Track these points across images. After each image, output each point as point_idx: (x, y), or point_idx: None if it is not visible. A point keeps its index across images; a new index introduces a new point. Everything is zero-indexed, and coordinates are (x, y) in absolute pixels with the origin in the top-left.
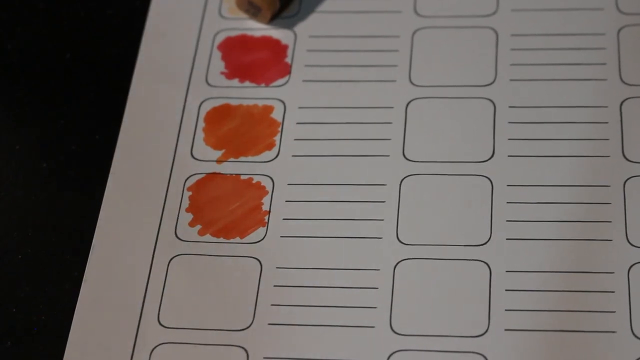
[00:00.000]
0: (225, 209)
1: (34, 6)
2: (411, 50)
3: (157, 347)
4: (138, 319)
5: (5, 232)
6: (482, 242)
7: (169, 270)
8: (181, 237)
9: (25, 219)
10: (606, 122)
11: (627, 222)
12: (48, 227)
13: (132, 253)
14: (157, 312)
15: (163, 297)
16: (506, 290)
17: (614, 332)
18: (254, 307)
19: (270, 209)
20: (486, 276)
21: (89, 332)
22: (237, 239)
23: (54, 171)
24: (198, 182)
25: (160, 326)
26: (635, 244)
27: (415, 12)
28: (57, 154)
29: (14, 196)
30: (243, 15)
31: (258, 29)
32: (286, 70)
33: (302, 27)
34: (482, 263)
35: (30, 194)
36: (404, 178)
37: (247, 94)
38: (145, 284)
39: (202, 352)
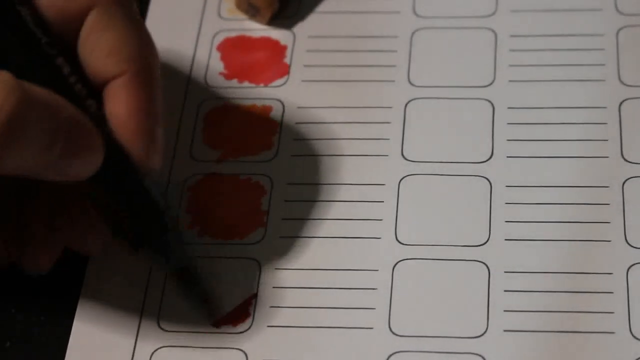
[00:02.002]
0: (224, 210)
1: None
2: (410, 51)
3: (157, 351)
4: (138, 322)
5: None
6: (481, 243)
7: (168, 273)
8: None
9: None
10: (605, 123)
11: (626, 222)
12: None
13: (132, 255)
14: (157, 315)
15: (163, 301)
16: (505, 291)
17: (612, 332)
18: (253, 309)
19: (269, 209)
20: (485, 277)
21: (90, 335)
22: (236, 240)
23: None
24: (197, 183)
25: (160, 329)
26: (634, 245)
27: (414, 12)
28: None
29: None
30: (242, 15)
31: (257, 29)
32: (285, 70)
33: (301, 28)
34: (481, 264)
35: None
36: (403, 178)
37: (246, 94)
38: (145, 287)
39: (202, 355)
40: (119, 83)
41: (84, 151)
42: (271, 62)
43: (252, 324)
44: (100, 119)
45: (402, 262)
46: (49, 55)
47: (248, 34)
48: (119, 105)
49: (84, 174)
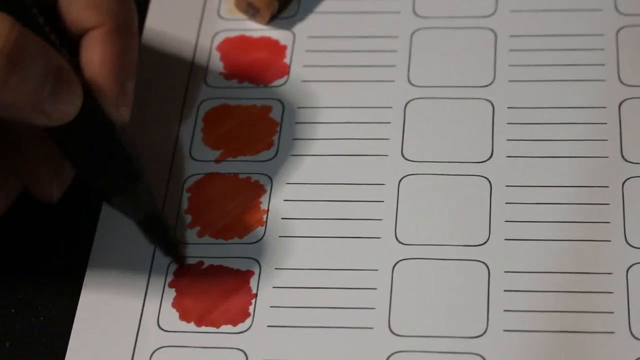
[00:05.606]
0: (224, 209)
1: None
2: (410, 51)
3: (157, 351)
4: (138, 323)
5: (4, 232)
6: (481, 243)
7: (168, 273)
8: (180, 240)
9: (25, 218)
10: (605, 123)
11: (626, 222)
12: (47, 227)
13: (132, 255)
14: (156, 315)
15: (163, 300)
16: (505, 290)
17: (612, 332)
18: (253, 309)
19: (268, 208)
20: (485, 277)
21: (90, 335)
22: (236, 239)
23: None
24: (197, 183)
25: (160, 329)
26: (633, 245)
27: (414, 12)
28: None
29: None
30: (242, 15)
31: (257, 29)
32: (285, 70)
33: (300, 28)
34: (481, 263)
35: (30, 193)
36: (403, 178)
37: (245, 94)
38: (145, 287)
39: (202, 355)
40: (96, 34)
41: (68, 93)
42: (271, 62)
43: (252, 324)
44: (74, 67)
45: (402, 262)
46: (26, 5)
47: (248, 34)
48: (95, 54)
49: (66, 116)
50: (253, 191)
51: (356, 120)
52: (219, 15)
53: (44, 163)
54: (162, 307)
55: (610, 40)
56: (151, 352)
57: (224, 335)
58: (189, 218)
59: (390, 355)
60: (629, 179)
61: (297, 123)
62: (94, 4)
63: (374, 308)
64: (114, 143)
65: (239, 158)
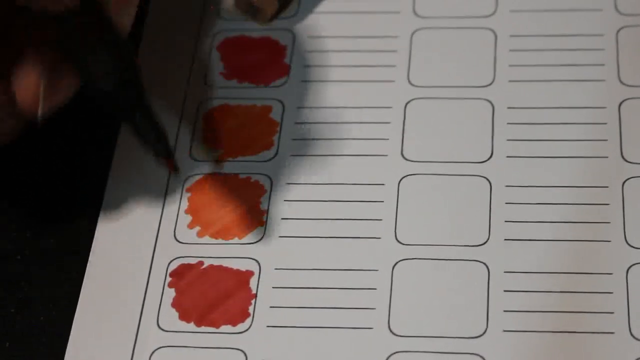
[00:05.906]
0: (224, 209)
1: None
2: (410, 51)
3: (157, 351)
4: (137, 323)
5: (4, 232)
6: (481, 243)
7: (168, 273)
8: (180, 240)
9: (24, 218)
10: (605, 123)
11: (626, 223)
12: (47, 228)
13: (132, 255)
14: (156, 315)
15: (162, 300)
16: (504, 291)
17: (612, 333)
18: (253, 309)
19: (268, 207)
20: (484, 277)
21: (89, 335)
22: (236, 239)
23: (54, 171)
24: (197, 183)
25: (159, 329)
26: (633, 245)
27: (414, 12)
28: (56, 155)
29: (13, 195)
30: (242, 15)
31: (257, 29)
32: (285, 70)
33: (300, 28)
34: (481, 264)
35: (29, 193)
36: (403, 178)
37: (245, 94)
38: (145, 287)
39: (201, 355)
40: None
41: None
42: (271, 62)
43: (251, 324)
44: None
45: (402, 262)
46: None
47: (248, 34)
48: None
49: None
50: (253, 191)
51: (356, 120)
52: (219, 15)
53: (38, 68)
54: (161, 307)
55: (610, 40)
56: (151, 352)
57: (224, 336)
58: (189, 218)
59: (390, 356)
60: (629, 179)
61: (297, 123)
62: None
63: (373, 308)
64: (116, 44)
65: (239, 158)
